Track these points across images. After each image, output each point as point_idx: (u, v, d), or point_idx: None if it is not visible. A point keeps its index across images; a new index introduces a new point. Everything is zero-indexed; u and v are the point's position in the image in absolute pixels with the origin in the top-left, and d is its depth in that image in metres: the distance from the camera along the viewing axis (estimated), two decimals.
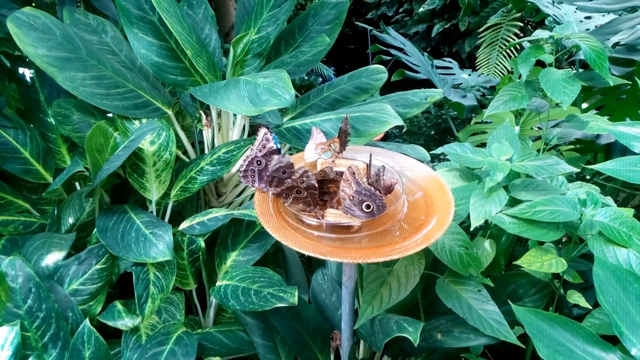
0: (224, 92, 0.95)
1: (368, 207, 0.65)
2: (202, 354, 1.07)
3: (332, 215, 0.68)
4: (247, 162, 0.73)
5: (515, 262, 0.88)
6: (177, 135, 1.29)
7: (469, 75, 2.76)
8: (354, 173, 0.65)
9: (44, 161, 1.28)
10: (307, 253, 0.63)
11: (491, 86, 2.82)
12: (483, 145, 1.78)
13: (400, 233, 0.68)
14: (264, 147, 0.74)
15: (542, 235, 0.86)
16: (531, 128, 1.63)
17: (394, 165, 0.79)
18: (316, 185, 0.67)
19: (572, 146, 1.75)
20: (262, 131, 0.74)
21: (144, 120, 1.17)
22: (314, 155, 0.80)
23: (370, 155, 0.74)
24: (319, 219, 0.68)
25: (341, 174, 0.73)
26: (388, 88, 1.60)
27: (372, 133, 1.06)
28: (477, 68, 3.68)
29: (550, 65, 1.15)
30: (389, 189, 0.73)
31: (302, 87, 3.17)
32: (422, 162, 0.95)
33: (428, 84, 1.96)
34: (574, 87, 1.07)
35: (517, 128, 1.71)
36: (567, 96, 1.06)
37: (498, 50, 3.75)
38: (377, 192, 0.65)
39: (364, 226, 0.68)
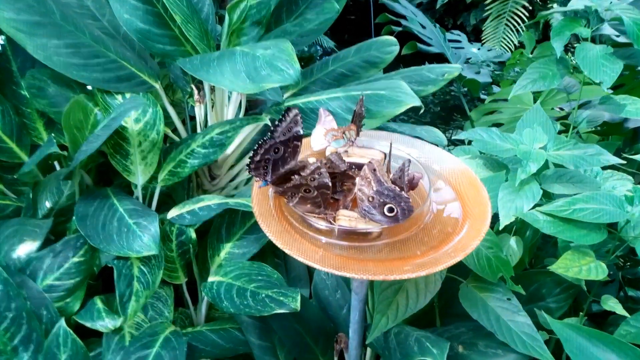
0: (217, 64, 0.82)
1: (391, 210, 0.54)
2: (193, 357, 0.97)
3: (346, 219, 0.56)
4: (262, 150, 0.59)
5: (550, 268, 0.77)
6: (166, 111, 1.16)
7: (478, 49, 2.62)
8: (374, 169, 0.53)
9: (17, 138, 1.15)
10: (316, 266, 0.51)
11: (500, 61, 2.68)
12: (497, 126, 1.66)
13: (427, 242, 0.56)
14: (289, 131, 0.60)
15: (582, 237, 0.76)
16: (552, 108, 1.51)
17: (419, 156, 0.67)
18: (330, 184, 0.55)
19: (591, 129, 1.63)
20: (293, 112, 0.60)
21: (128, 95, 1.04)
22: (322, 142, 0.68)
23: (391, 145, 0.62)
24: (330, 222, 0.57)
25: (356, 166, 0.62)
26: (395, 62, 1.47)
27: (386, 114, 0.94)
28: (483, 42, 3.53)
29: (586, 40, 1.03)
30: (412, 185, 0.61)
31: (302, 59, 3.01)
32: (438, 146, 0.83)
33: (438, 58, 1.83)
34: (614, 66, 0.95)
35: None
36: (607, 76, 0.94)
37: (505, 24, 3.59)
38: (402, 192, 0.53)
39: (383, 233, 0.57)
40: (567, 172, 0.88)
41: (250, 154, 0.58)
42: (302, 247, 0.54)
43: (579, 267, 0.76)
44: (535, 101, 1.57)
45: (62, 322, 0.88)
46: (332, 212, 0.58)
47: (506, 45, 3.61)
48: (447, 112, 2.41)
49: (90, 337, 0.96)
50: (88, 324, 0.90)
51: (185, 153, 1.00)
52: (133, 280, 0.93)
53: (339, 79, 1.23)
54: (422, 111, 0.99)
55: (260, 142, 0.58)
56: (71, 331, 0.88)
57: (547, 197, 0.90)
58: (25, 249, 0.97)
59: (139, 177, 1.05)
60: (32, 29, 0.93)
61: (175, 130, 1.22)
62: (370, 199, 0.54)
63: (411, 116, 2.27)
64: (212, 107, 1.12)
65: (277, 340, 0.99)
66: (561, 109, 1.54)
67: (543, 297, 0.98)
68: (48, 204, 1.12)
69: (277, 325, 0.93)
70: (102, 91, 1.04)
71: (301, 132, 0.60)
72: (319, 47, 3.34)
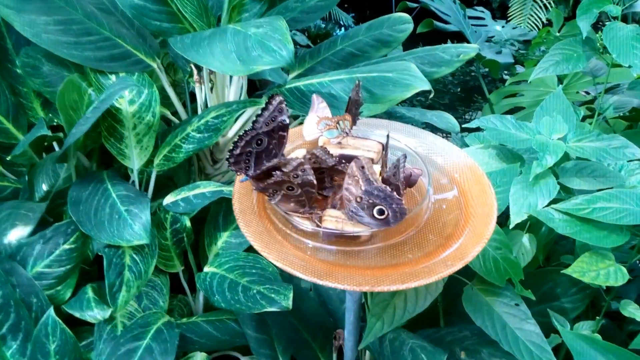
0: (207, 44, 0.77)
1: (381, 212, 0.48)
2: (187, 349, 0.94)
3: (333, 220, 0.51)
4: (243, 142, 0.54)
5: (564, 272, 0.71)
6: (165, 92, 1.11)
7: (503, 27, 2.50)
8: (363, 167, 0.47)
9: (14, 118, 1.12)
10: (296, 274, 0.46)
11: (525, 40, 2.55)
12: (518, 110, 1.57)
13: (423, 246, 0.51)
14: (273, 121, 0.55)
15: (601, 239, 0.69)
16: (577, 92, 1.41)
17: (420, 147, 0.61)
18: (314, 182, 0.49)
19: (619, 115, 1.53)
20: (277, 99, 0.55)
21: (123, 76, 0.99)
22: (315, 131, 0.62)
23: (388, 136, 0.56)
24: (315, 223, 0.52)
25: (347, 159, 0.56)
26: (411, 41, 1.39)
27: (392, 99, 0.87)
28: (509, 19, 3.39)
29: (616, 18, 0.94)
30: (410, 182, 0.55)
31: (317, 37, 2.92)
32: (450, 133, 0.77)
33: (458, 36, 1.73)
34: None
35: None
36: (638, 59, 0.85)
37: (533, 0, 3.43)
38: (395, 192, 0.48)
39: (375, 236, 0.51)
40: (589, 165, 0.80)
41: (230, 146, 0.53)
42: (283, 251, 0.49)
43: (596, 271, 0.70)
44: (559, 83, 1.47)
45: (51, 311, 0.85)
46: (318, 212, 0.52)
47: (533, 22, 3.45)
48: (466, 93, 2.31)
49: (84, 324, 0.94)
50: (77, 314, 0.87)
51: (180, 137, 0.95)
52: (124, 269, 0.89)
53: (347, 58, 1.16)
54: (431, 95, 0.92)
55: (241, 134, 0.53)
56: (60, 321, 0.85)
57: (566, 191, 0.83)
58: (16, 234, 0.94)
59: (134, 161, 1.01)
60: (19, 4, 0.89)
61: (175, 113, 1.18)
62: (358, 199, 0.48)
63: (427, 97, 2.18)
64: (212, 88, 1.07)
65: (274, 333, 0.96)
66: (587, 92, 1.44)
67: (557, 297, 0.92)
68: (45, 187, 1.09)
69: (272, 320, 0.89)
70: (95, 71, 1.00)
71: (287, 121, 0.54)
72: (336, 25, 3.24)
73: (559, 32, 1.69)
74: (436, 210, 0.55)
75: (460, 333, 0.76)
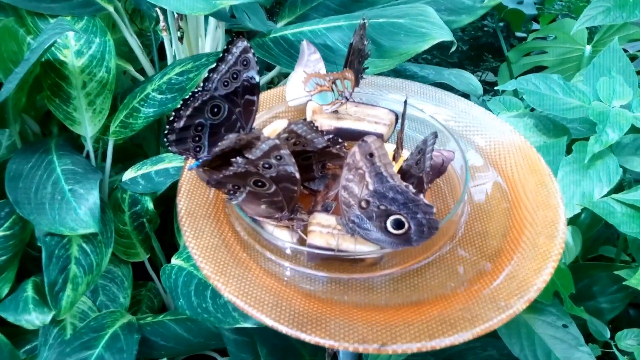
0: None
1: (399, 224, 0.31)
2: (151, 355, 0.79)
3: (324, 232, 0.34)
4: (190, 110, 0.36)
5: (626, 283, 0.54)
6: (127, 44, 0.92)
7: None
8: (371, 154, 0.30)
9: None
10: (264, 320, 0.30)
11: None
12: (540, 69, 1.39)
13: (457, 274, 0.34)
14: (235, 78, 0.37)
15: None
16: None
17: (452, 120, 0.43)
18: (296, 175, 0.32)
19: None
20: (240, 45, 0.37)
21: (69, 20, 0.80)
22: (302, 94, 0.44)
23: (405, 103, 0.38)
24: (297, 234, 0.34)
25: (345, 135, 0.38)
26: None
27: (404, 52, 0.69)
28: None
29: None
30: (438, 170, 0.38)
31: None
32: (470, 97, 0.60)
33: None
34: None
35: (589, 48, 1.31)
36: None
37: None
38: (421, 193, 0.30)
39: (386, 257, 0.34)
40: None
41: (171, 115, 0.35)
42: (246, 279, 0.32)
43: None
44: (590, 40, 1.28)
45: None
46: (303, 215, 0.35)
47: None
48: (477, 51, 2.10)
49: None
50: (10, 318, 0.71)
51: (139, 99, 0.77)
52: (70, 262, 0.73)
53: (347, 4, 0.96)
54: (453, 48, 0.73)
55: (185, 98, 0.35)
56: None
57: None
58: None
59: (86, 127, 0.83)
60: None
61: (142, 70, 0.99)
62: (364, 204, 0.31)
63: (435, 55, 1.96)
64: (181, 38, 0.87)
65: (256, 339, 0.80)
66: (624, 50, 1.25)
67: (594, 295, 0.78)
68: None
69: (253, 330, 0.74)
70: (32, 14, 0.80)
71: (256, 78, 0.36)
72: None
73: None
74: (473, 212, 0.38)
75: (484, 352, 0.61)
